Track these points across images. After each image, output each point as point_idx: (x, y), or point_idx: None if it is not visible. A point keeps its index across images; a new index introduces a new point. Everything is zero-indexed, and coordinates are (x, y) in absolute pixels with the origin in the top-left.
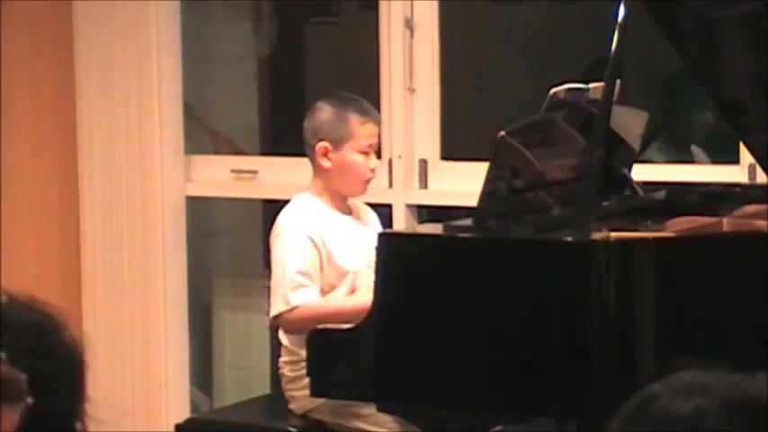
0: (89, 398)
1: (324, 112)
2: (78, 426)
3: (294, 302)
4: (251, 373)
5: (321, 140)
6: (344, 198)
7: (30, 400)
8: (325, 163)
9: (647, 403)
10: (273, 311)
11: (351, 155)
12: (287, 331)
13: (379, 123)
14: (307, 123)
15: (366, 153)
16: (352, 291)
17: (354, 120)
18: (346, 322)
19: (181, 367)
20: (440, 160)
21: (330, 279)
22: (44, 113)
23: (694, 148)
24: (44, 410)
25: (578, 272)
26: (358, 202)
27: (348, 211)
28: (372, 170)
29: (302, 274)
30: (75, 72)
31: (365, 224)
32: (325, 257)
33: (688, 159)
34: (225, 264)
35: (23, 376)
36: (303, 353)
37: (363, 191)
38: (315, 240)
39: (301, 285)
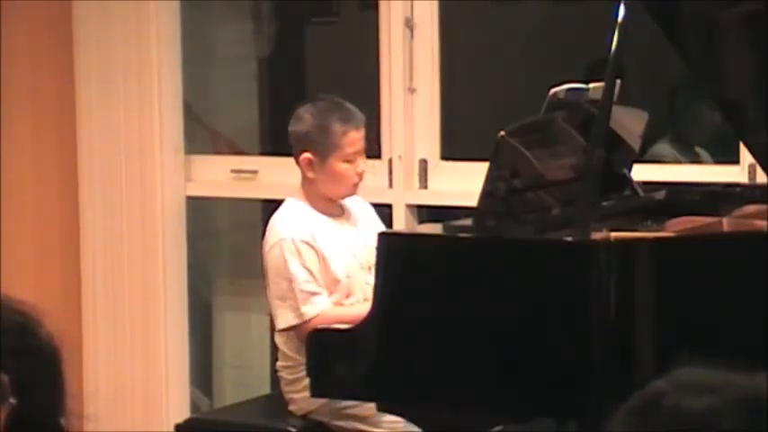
0: (71, 393)
1: (304, 123)
2: (63, 421)
3: (310, 314)
4: (251, 374)
5: (305, 151)
6: (334, 200)
7: (13, 400)
8: (311, 174)
9: (655, 401)
10: (283, 324)
11: (336, 165)
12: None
13: (362, 126)
14: (291, 129)
15: (351, 161)
16: (347, 296)
17: (337, 130)
18: None
19: (181, 367)
20: (440, 160)
21: (325, 283)
22: (44, 114)
23: (699, 150)
24: (28, 409)
25: (578, 272)
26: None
27: (339, 212)
28: (359, 174)
29: (310, 282)
30: (75, 72)
31: (359, 222)
32: (321, 260)
33: (694, 160)
34: (225, 264)
35: (6, 377)
36: (300, 358)
37: (353, 192)
38: (312, 244)
39: (313, 294)
